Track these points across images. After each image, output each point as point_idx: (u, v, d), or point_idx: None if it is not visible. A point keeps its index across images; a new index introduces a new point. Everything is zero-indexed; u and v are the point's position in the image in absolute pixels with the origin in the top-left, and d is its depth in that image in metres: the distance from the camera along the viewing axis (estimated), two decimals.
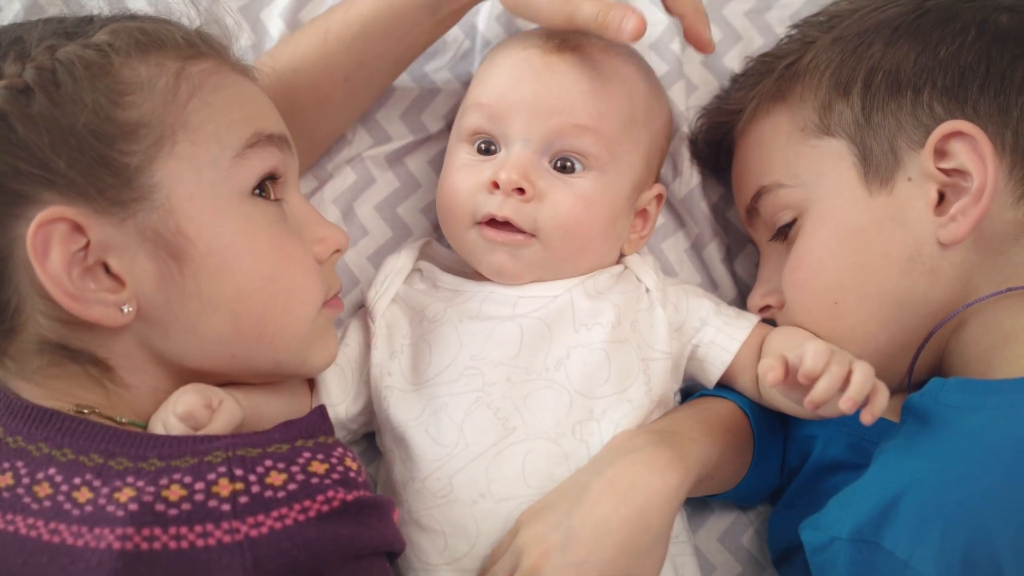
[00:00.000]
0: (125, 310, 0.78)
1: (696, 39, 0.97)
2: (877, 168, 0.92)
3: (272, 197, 0.86)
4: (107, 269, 0.78)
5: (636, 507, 0.83)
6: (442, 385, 0.92)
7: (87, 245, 0.76)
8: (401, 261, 1.02)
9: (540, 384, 0.91)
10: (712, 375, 0.99)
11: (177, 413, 0.79)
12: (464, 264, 1.04)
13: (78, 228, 0.75)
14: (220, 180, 0.81)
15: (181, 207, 0.79)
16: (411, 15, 1.00)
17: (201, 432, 0.79)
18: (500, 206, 0.93)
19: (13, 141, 0.74)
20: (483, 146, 0.97)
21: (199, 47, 0.84)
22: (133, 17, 0.84)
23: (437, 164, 1.08)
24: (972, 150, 0.88)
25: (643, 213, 1.02)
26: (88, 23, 0.81)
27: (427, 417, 0.92)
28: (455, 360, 0.93)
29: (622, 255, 1.02)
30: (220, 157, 0.81)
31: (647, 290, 0.98)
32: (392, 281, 1.00)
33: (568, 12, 0.90)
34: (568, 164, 0.94)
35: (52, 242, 0.75)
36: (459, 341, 0.94)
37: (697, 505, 1.05)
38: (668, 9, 0.98)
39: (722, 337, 0.98)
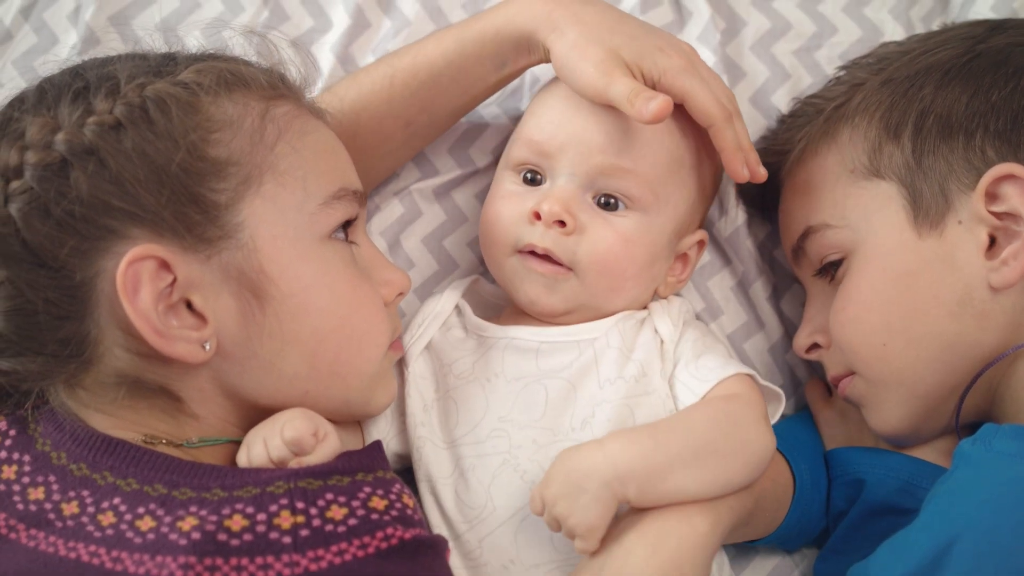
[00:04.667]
0: (207, 347, 0.79)
1: (732, 175, 0.95)
2: (927, 211, 0.92)
3: (347, 240, 0.88)
4: (189, 306, 0.79)
5: (668, 555, 0.82)
6: (469, 446, 0.92)
7: (173, 282, 0.77)
8: (440, 305, 1.01)
9: (566, 445, 0.89)
10: None
11: (286, 437, 0.80)
12: (508, 301, 1.04)
13: (165, 265, 0.76)
14: (303, 224, 0.83)
15: (264, 247, 0.80)
16: (478, 68, 1.01)
17: (297, 462, 0.79)
18: (541, 237, 0.93)
19: (105, 177, 0.75)
20: (529, 176, 0.97)
21: (279, 88, 0.86)
22: (215, 56, 0.86)
23: (484, 198, 1.08)
24: None
25: (683, 257, 1.01)
26: (172, 61, 0.83)
27: (456, 477, 0.92)
28: (482, 421, 0.93)
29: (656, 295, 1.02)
30: (306, 203, 0.83)
31: (662, 342, 0.96)
32: (428, 327, 1.00)
33: (603, 86, 0.91)
34: (611, 201, 0.94)
35: (142, 279, 0.75)
36: (486, 401, 0.94)
37: (742, 547, 1.04)
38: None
39: (684, 392, 0.93)
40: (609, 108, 0.93)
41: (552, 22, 0.95)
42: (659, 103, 0.87)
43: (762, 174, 0.96)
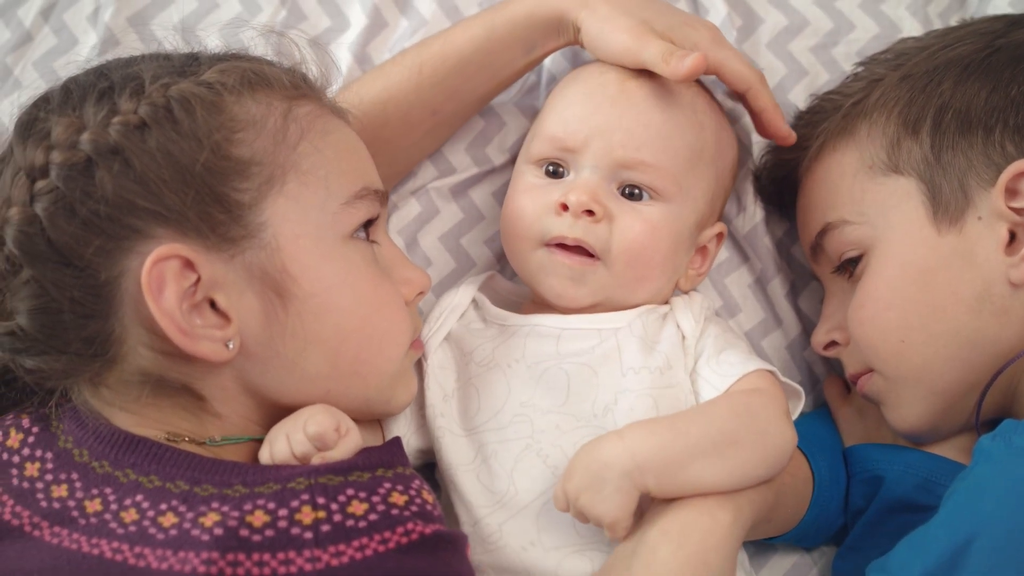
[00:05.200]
0: (230, 346, 0.79)
1: (775, 133, 1.02)
2: (946, 207, 0.91)
3: (369, 239, 0.88)
4: (213, 305, 0.79)
5: (693, 548, 0.82)
6: (491, 432, 0.93)
7: (197, 281, 0.78)
8: (458, 298, 1.01)
9: (589, 431, 0.90)
10: None
11: (309, 432, 0.80)
12: (524, 297, 1.04)
13: (189, 264, 0.77)
14: (326, 223, 0.83)
15: (287, 246, 0.81)
16: (507, 52, 1.03)
17: (319, 457, 0.80)
18: (571, 227, 0.93)
19: (130, 177, 0.76)
20: (551, 168, 0.97)
21: (302, 88, 0.86)
22: (237, 56, 0.86)
23: (501, 196, 1.09)
24: None
25: (703, 250, 1.02)
26: (195, 60, 0.83)
27: (478, 463, 0.92)
28: (504, 406, 0.93)
29: (678, 290, 1.02)
30: (328, 202, 0.83)
31: (683, 337, 0.96)
32: (446, 319, 1.00)
33: (637, 49, 0.95)
34: (636, 192, 0.95)
35: (167, 278, 0.76)
36: (508, 387, 0.94)
37: (760, 545, 1.04)
38: (745, 103, 1.03)
39: (706, 388, 0.93)
40: (630, 102, 0.94)
41: (582, 0, 0.99)
42: (694, 59, 0.91)
43: (793, 136, 1.03)
